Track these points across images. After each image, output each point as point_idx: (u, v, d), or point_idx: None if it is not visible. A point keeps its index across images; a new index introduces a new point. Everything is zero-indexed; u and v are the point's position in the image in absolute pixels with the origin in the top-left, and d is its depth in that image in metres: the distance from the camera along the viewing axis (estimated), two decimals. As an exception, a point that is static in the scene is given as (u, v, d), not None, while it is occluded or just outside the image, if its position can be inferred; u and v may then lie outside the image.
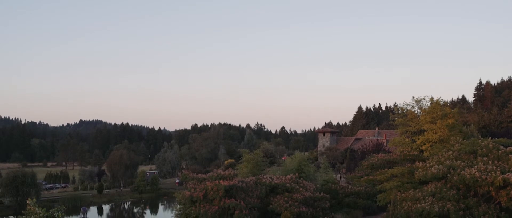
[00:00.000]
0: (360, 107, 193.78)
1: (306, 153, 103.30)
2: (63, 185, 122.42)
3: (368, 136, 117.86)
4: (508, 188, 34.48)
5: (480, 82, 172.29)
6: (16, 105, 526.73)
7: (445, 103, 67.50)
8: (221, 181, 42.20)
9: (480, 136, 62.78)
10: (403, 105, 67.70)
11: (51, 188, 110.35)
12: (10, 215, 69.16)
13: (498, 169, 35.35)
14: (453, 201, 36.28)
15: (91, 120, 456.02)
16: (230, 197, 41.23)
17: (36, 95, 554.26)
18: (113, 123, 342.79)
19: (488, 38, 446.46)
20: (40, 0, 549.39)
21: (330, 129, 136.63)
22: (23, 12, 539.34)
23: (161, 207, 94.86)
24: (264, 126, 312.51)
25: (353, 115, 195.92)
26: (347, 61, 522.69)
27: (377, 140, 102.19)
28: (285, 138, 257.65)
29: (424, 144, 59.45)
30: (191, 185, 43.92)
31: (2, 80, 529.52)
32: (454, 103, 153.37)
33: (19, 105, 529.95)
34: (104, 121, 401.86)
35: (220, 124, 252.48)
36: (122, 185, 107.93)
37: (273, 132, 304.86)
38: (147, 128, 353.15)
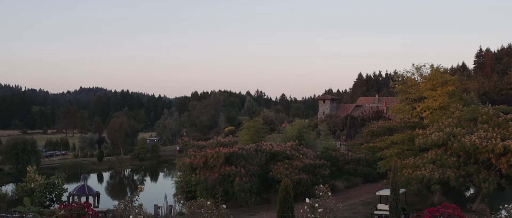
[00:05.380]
0: (360, 75, 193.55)
1: (306, 120, 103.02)
2: (63, 152, 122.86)
3: (368, 103, 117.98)
4: (508, 155, 34.46)
5: (480, 49, 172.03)
6: (16, 73, 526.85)
7: (445, 70, 67.40)
8: (221, 148, 42.18)
9: (480, 103, 62.72)
10: (403, 72, 67.58)
11: (51, 155, 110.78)
12: (11, 182, 69.32)
13: (498, 136, 35.27)
14: (453, 168, 36.28)
15: (91, 87, 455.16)
16: (230, 164, 41.24)
17: (36, 63, 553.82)
18: (113, 90, 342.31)
19: (488, 5, 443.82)
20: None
21: (330, 96, 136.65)
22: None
23: (161, 174, 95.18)
24: (264, 93, 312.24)
25: (353, 82, 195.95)
26: (347, 28, 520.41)
27: (377, 107, 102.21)
28: (285, 105, 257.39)
29: (424, 111, 59.45)
30: (191, 152, 43.90)
31: (3, 47, 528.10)
32: (454, 71, 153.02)
33: (19, 73, 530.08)
34: (105, 88, 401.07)
35: (220, 91, 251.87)
36: (122, 152, 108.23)
37: (273, 99, 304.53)
38: (147, 95, 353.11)
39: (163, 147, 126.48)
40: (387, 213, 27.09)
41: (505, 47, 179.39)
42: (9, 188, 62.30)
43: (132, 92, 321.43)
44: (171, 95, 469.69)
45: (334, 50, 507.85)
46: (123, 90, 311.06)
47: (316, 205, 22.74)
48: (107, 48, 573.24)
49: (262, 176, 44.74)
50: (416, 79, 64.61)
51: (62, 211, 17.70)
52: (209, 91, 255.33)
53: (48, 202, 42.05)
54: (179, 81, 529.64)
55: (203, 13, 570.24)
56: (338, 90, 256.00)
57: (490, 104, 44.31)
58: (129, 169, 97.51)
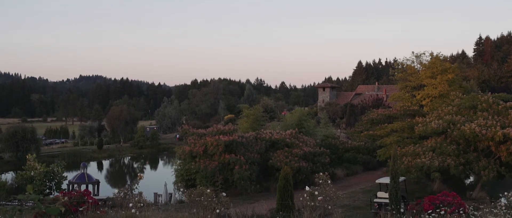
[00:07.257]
0: (360, 62, 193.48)
1: (306, 108, 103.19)
2: (63, 140, 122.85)
3: (368, 91, 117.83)
4: (508, 143, 34.41)
5: (480, 37, 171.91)
6: (16, 61, 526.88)
7: (445, 58, 67.25)
8: (221, 136, 42.13)
9: (480, 91, 62.80)
10: (403, 60, 67.55)
11: (51, 144, 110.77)
12: (10, 171, 69.37)
13: (498, 124, 35.22)
14: (453, 156, 36.24)
15: (91, 75, 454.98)
16: (230, 152, 41.22)
17: (36, 50, 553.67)
18: (113, 78, 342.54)
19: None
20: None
21: (330, 84, 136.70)
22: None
23: (161, 162, 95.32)
24: (264, 81, 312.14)
25: (353, 70, 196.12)
26: (347, 15, 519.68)
27: (377, 95, 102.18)
28: (285, 93, 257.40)
29: (424, 99, 59.41)
30: (191, 140, 43.88)
31: (2, 35, 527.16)
32: (454, 58, 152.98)
33: (19, 61, 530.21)
34: (104, 76, 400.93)
35: (220, 79, 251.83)
36: (122, 140, 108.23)
37: (273, 87, 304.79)
38: (147, 83, 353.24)
39: (163, 135, 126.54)
40: (387, 201, 27.06)
41: (505, 35, 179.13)
42: (8, 176, 62.37)
43: (131, 80, 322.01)
44: (170, 83, 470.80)
45: (333, 38, 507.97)
46: (122, 78, 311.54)
47: (316, 193, 22.68)
48: (107, 36, 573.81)
49: (262, 164, 44.69)
50: (416, 67, 64.54)
51: (66, 198, 17.69)
52: (209, 79, 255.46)
53: (47, 190, 42.15)
54: (179, 69, 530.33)
55: (203, 1, 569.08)
56: (337, 78, 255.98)
57: (489, 92, 44.29)
58: (129, 157, 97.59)
